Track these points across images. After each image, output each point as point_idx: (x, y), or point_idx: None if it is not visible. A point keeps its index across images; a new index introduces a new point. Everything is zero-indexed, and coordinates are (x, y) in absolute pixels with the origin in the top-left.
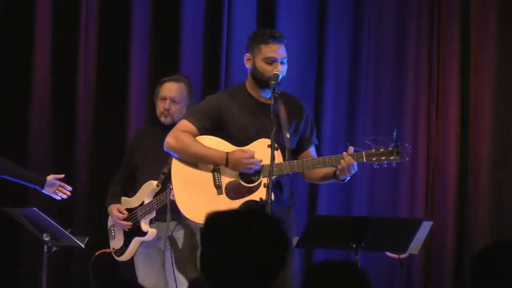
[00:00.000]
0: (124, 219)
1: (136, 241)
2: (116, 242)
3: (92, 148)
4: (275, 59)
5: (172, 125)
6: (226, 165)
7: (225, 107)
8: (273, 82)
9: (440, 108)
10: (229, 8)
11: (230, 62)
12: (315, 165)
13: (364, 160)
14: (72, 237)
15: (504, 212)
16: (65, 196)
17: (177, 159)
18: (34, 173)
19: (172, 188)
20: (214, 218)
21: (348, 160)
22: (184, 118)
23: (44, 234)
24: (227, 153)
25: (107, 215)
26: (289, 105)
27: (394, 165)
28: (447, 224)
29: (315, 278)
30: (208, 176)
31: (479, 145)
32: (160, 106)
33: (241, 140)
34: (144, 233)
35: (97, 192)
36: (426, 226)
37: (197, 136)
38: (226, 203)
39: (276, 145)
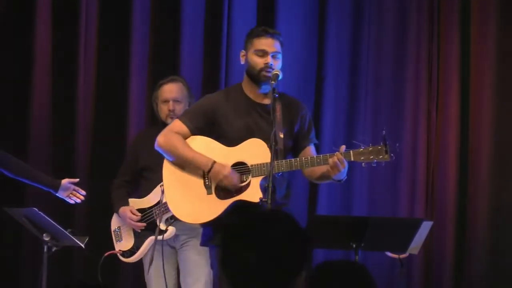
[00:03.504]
0: (136, 214)
1: (150, 240)
2: (124, 244)
3: (92, 148)
4: (265, 52)
5: None
6: (208, 172)
7: (219, 107)
8: (273, 82)
9: (440, 108)
10: (229, 9)
11: (230, 62)
12: (303, 165)
13: (352, 159)
14: (72, 237)
15: (504, 212)
16: (78, 201)
17: (168, 160)
18: (49, 176)
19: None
20: (233, 223)
21: (337, 157)
22: (178, 118)
23: (44, 234)
24: (214, 162)
25: (110, 216)
26: (285, 105)
27: (383, 165)
28: (447, 224)
29: (321, 278)
30: (199, 176)
31: (479, 145)
32: (164, 108)
33: (233, 140)
34: (160, 232)
35: (97, 192)
36: (426, 226)
37: (189, 136)
38: (215, 203)
39: (275, 145)
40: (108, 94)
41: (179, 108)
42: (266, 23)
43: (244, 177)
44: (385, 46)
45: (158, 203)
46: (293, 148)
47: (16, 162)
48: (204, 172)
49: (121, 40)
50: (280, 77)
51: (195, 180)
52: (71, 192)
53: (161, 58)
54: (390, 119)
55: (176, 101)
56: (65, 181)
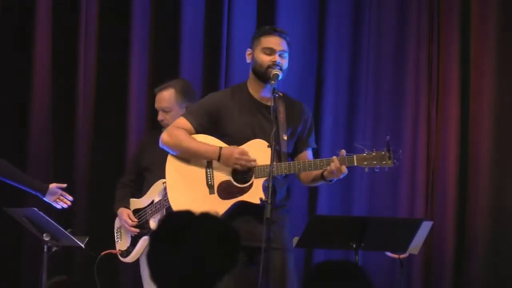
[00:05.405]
0: (133, 219)
1: (143, 240)
2: (123, 243)
3: (92, 148)
4: (273, 50)
5: None
6: (218, 159)
7: (224, 105)
8: (272, 82)
9: (440, 108)
10: (229, 8)
11: (230, 62)
12: (306, 168)
13: (355, 164)
14: (72, 237)
15: (504, 212)
16: (65, 206)
17: (172, 156)
18: (37, 180)
19: (165, 185)
20: (166, 218)
21: (337, 164)
22: (182, 115)
23: (44, 234)
24: (221, 147)
25: (110, 216)
26: (288, 107)
27: (386, 170)
28: (447, 224)
29: (318, 278)
30: (201, 174)
31: (479, 145)
32: (159, 117)
33: (237, 139)
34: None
35: (97, 193)
36: (426, 226)
37: (193, 134)
38: (216, 203)
39: (275, 145)
40: (108, 94)
41: (169, 117)
42: (266, 23)
43: (248, 178)
44: (385, 46)
45: (152, 202)
46: (292, 151)
47: (3, 164)
48: (208, 168)
49: (121, 40)
50: (280, 77)
51: (197, 179)
52: (58, 197)
53: (161, 58)
54: (390, 119)
55: (164, 111)
56: (52, 186)
